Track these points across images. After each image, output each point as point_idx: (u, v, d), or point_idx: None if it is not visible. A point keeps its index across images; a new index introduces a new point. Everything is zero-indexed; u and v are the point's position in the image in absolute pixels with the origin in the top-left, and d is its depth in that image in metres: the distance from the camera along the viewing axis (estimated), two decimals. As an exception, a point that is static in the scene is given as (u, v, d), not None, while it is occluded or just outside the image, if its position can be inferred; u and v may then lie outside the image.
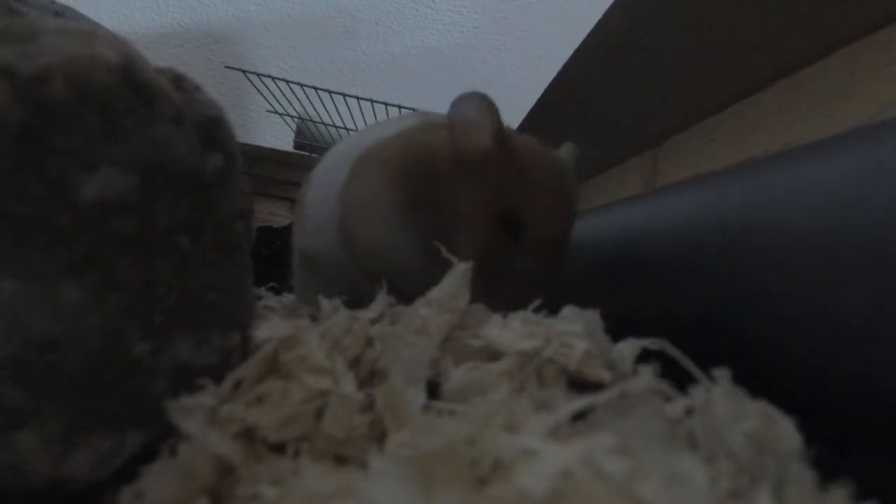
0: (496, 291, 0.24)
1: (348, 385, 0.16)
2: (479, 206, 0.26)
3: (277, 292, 0.41)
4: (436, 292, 0.20)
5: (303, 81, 0.83)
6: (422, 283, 0.22)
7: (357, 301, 0.23)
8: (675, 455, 0.12)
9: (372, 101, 0.80)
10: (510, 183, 0.26)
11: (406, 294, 0.22)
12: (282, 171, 1.04)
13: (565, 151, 0.32)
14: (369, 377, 0.18)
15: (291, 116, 0.94)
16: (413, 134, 0.31)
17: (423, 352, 0.18)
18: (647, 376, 0.15)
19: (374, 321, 0.20)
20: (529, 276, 0.26)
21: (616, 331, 0.19)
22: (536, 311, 0.21)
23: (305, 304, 0.33)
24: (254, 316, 0.20)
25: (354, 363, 0.18)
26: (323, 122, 0.92)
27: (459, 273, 0.21)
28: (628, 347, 0.18)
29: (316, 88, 0.82)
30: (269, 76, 0.81)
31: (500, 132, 0.27)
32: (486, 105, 0.27)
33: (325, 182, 0.34)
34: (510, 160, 0.27)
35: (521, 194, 0.26)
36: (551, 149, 0.31)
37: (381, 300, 0.21)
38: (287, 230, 0.75)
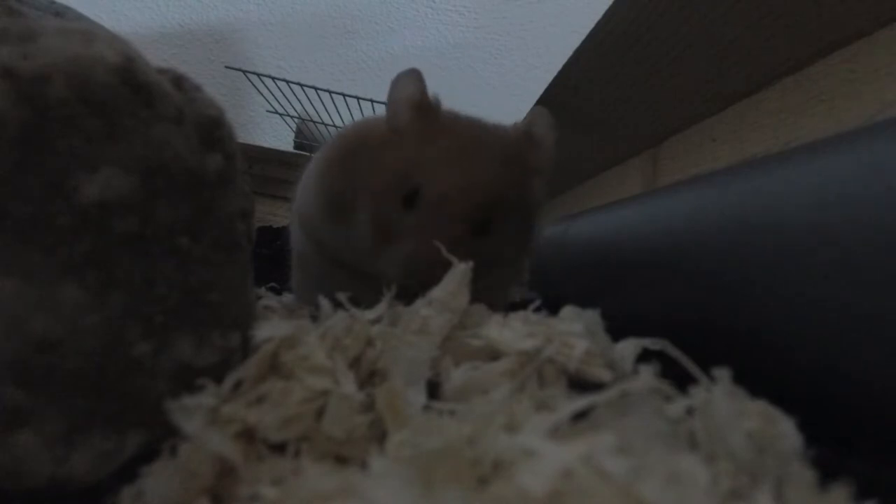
0: (393, 251, 0.26)
1: (348, 385, 0.16)
2: (383, 175, 0.28)
3: (277, 292, 0.41)
4: (436, 292, 0.20)
5: (303, 81, 0.83)
6: (332, 241, 0.27)
7: (354, 299, 0.23)
8: (676, 455, 0.12)
9: (372, 101, 0.80)
10: (417, 153, 0.27)
11: (357, 268, 0.27)
12: (282, 171, 1.04)
13: (531, 117, 0.32)
14: (369, 377, 0.18)
15: (291, 116, 0.94)
16: (363, 119, 0.35)
17: (423, 352, 0.18)
18: (647, 376, 0.15)
19: (374, 321, 0.20)
20: (422, 237, 0.25)
21: (616, 331, 0.19)
22: (537, 311, 0.21)
23: (304, 304, 0.33)
24: (254, 316, 0.19)
25: (355, 363, 0.18)
26: (323, 122, 0.92)
27: (459, 273, 0.21)
28: (629, 347, 0.18)
29: (316, 88, 0.82)
30: (269, 76, 0.81)
31: (420, 106, 0.28)
32: (411, 80, 0.29)
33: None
34: (425, 132, 0.28)
35: (422, 163, 0.27)
36: (495, 124, 0.32)
37: (385, 302, 0.21)
38: (287, 230, 0.75)
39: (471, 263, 0.21)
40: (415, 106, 0.28)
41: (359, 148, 0.30)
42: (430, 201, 0.26)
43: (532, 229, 0.32)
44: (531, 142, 0.31)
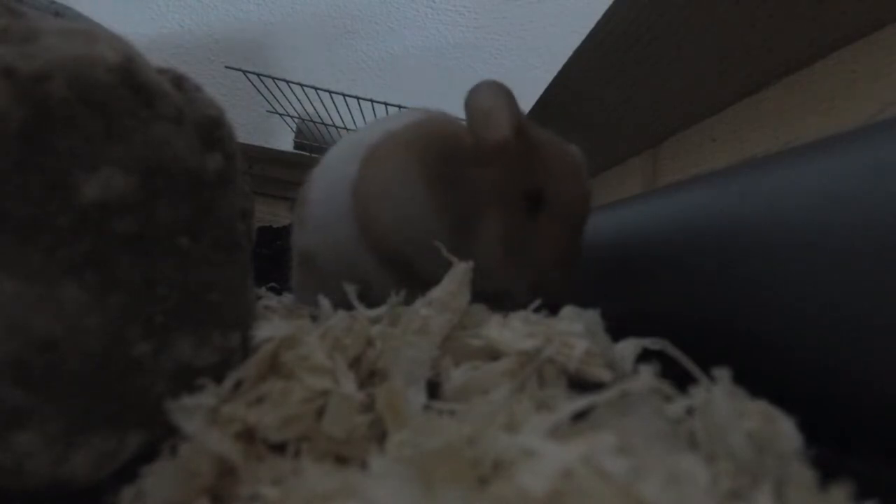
0: (524, 264, 0.26)
1: (349, 385, 0.16)
2: (502, 188, 0.27)
3: (277, 292, 0.41)
4: (436, 292, 0.20)
5: (303, 81, 0.83)
6: (445, 263, 0.23)
7: (364, 295, 0.23)
8: (676, 455, 0.12)
9: (372, 101, 0.80)
10: (530, 165, 0.27)
11: (425, 278, 0.23)
12: (282, 171, 1.04)
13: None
14: (369, 377, 0.18)
15: (291, 116, 0.94)
16: (426, 124, 0.32)
17: (423, 351, 0.18)
18: (647, 376, 0.15)
19: (374, 321, 0.20)
20: (552, 248, 0.26)
21: (616, 331, 0.19)
22: (537, 311, 0.21)
23: (304, 304, 0.33)
24: (254, 316, 0.19)
25: (355, 363, 0.18)
26: (323, 122, 0.92)
27: (460, 272, 0.21)
28: (629, 347, 0.18)
29: (316, 88, 0.82)
30: (269, 76, 0.81)
31: (519, 122, 0.28)
32: (503, 94, 0.28)
33: (328, 180, 0.33)
34: (529, 145, 0.28)
35: (541, 174, 0.27)
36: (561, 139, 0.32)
37: (392, 301, 0.21)
38: (287, 230, 0.75)
39: (471, 263, 0.21)
40: (516, 119, 0.28)
41: (460, 158, 0.29)
42: (555, 211, 0.27)
43: None
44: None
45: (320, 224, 0.33)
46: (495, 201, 0.27)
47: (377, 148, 0.31)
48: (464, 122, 0.30)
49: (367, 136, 0.33)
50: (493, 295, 0.23)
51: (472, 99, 0.28)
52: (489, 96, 0.28)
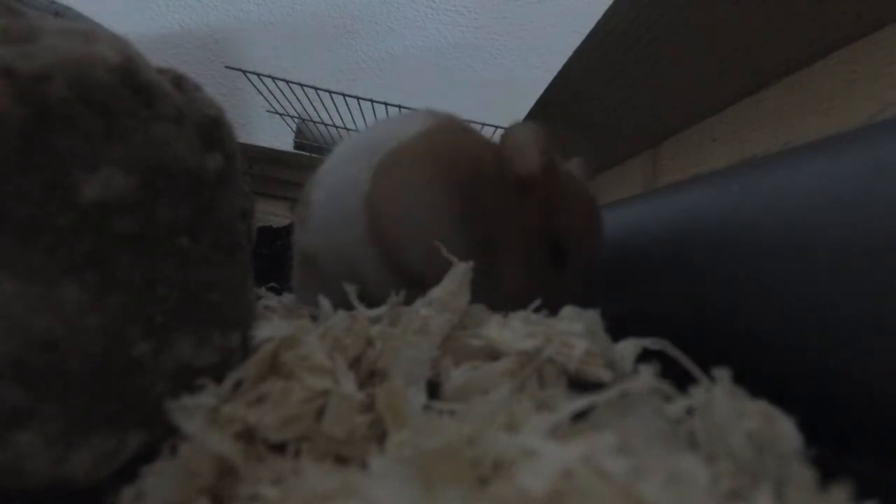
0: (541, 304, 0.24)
1: (349, 385, 0.16)
2: (531, 226, 0.28)
3: (277, 292, 0.41)
4: (436, 292, 0.20)
5: (303, 81, 0.83)
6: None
7: (364, 295, 0.23)
8: (676, 455, 0.12)
9: (372, 101, 0.80)
10: (556, 208, 0.28)
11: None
12: (282, 171, 1.04)
13: (575, 165, 0.34)
14: (369, 377, 0.18)
15: (291, 116, 0.94)
16: (443, 135, 0.31)
17: (423, 351, 0.18)
18: (647, 376, 0.15)
19: (374, 321, 0.20)
20: (564, 297, 0.26)
21: (616, 331, 0.19)
22: (536, 311, 0.21)
23: (305, 304, 0.33)
24: (254, 316, 0.19)
25: (355, 363, 0.18)
26: (323, 122, 0.92)
27: (460, 273, 0.21)
28: (629, 347, 0.18)
29: (316, 88, 0.82)
30: (269, 76, 0.81)
31: (550, 162, 0.28)
32: (540, 134, 0.29)
33: (333, 182, 0.33)
34: (555, 187, 0.28)
35: (565, 219, 0.28)
36: (581, 177, 0.33)
37: (392, 301, 0.21)
38: (287, 230, 0.75)
39: (471, 263, 0.21)
40: (547, 163, 0.28)
41: (483, 181, 0.29)
42: (577, 263, 0.28)
43: None
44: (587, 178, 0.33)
45: (323, 226, 0.33)
46: (519, 234, 0.28)
47: (392, 158, 0.30)
48: (475, 130, 0.30)
49: (376, 140, 0.32)
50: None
51: (509, 135, 0.29)
52: (525, 134, 0.29)
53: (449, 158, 0.29)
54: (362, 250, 0.30)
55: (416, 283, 0.24)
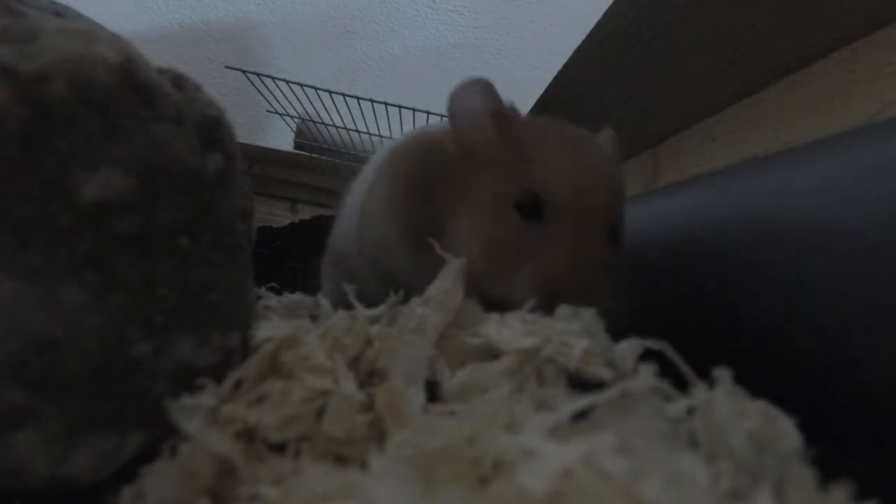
0: (519, 272, 0.23)
1: (349, 385, 0.16)
2: (485, 193, 0.25)
3: (277, 292, 0.41)
4: (432, 290, 0.20)
5: (303, 81, 0.83)
6: (412, 275, 0.23)
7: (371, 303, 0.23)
8: (676, 454, 0.12)
9: (372, 101, 0.80)
10: (519, 164, 0.25)
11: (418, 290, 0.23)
12: (282, 171, 1.04)
13: (603, 136, 0.31)
14: (368, 377, 0.18)
15: (291, 116, 0.94)
16: (422, 133, 0.32)
17: (421, 351, 0.18)
18: (647, 376, 0.15)
19: (373, 320, 0.20)
20: (559, 254, 0.23)
21: (616, 331, 0.19)
22: (532, 311, 0.21)
23: (328, 298, 0.33)
24: (254, 316, 0.19)
25: (354, 362, 0.18)
26: (323, 122, 0.92)
27: (454, 269, 0.21)
28: (629, 347, 0.18)
29: (316, 88, 0.82)
30: (269, 76, 0.81)
31: (501, 117, 0.26)
32: (483, 92, 0.26)
33: (356, 189, 0.35)
34: (516, 142, 0.26)
35: (534, 173, 0.25)
36: (578, 128, 0.29)
37: (390, 300, 0.21)
38: (287, 230, 0.75)
39: (464, 259, 0.21)
40: (492, 119, 0.26)
41: (435, 168, 0.27)
42: (559, 212, 0.24)
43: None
44: (617, 153, 0.30)
45: (344, 230, 0.35)
46: (475, 212, 0.25)
47: (381, 162, 0.32)
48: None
49: (389, 146, 0.34)
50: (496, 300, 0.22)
51: (454, 100, 0.27)
52: (469, 96, 0.26)
53: (403, 156, 0.30)
54: (355, 256, 0.32)
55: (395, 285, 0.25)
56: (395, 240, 0.28)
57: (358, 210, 0.31)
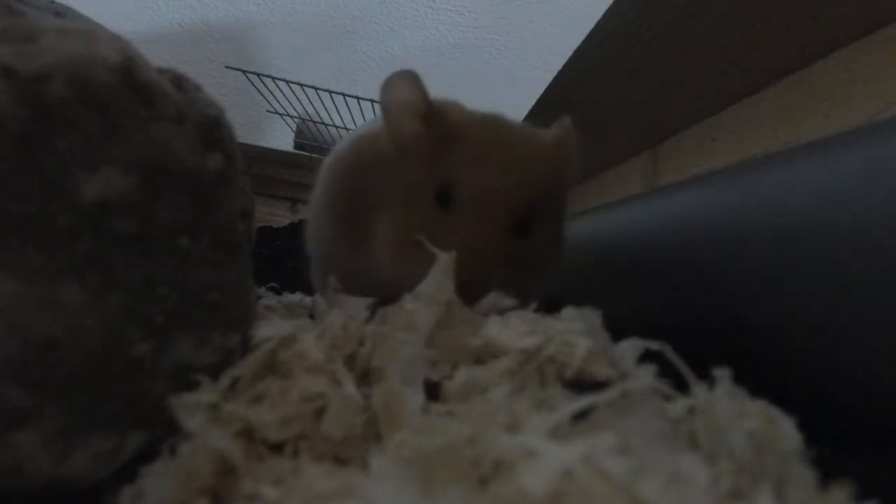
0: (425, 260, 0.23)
1: (348, 385, 0.16)
2: (409, 185, 0.26)
3: (277, 292, 0.41)
4: (422, 286, 0.20)
5: (303, 81, 0.83)
6: (351, 271, 0.25)
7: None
8: (677, 455, 0.12)
9: (372, 101, 0.80)
10: (440, 156, 0.26)
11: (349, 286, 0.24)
12: (282, 171, 1.04)
13: (557, 126, 0.31)
14: (364, 376, 0.18)
15: (291, 116, 0.94)
16: (364, 131, 0.33)
17: (415, 348, 0.17)
18: (648, 376, 0.15)
19: (368, 319, 0.20)
20: (463, 242, 0.23)
21: (616, 331, 0.19)
22: (534, 311, 0.21)
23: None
24: (254, 316, 0.19)
25: (350, 361, 0.18)
26: (323, 122, 0.92)
27: (442, 265, 0.20)
28: (630, 347, 0.18)
29: (316, 88, 0.82)
30: (269, 76, 0.81)
31: (427, 111, 0.27)
32: (410, 84, 0.27)
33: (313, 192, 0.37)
34: (442, 135, 0.26)
35: (449, 164, 0.26)
36: (517, 123, 0.30)
37: (372, 304, 0.22)
38: (287, 230, 0.75)
39: (454, 253, 0.21)
40: (418, 112, 0.27)
41: (366, 165, 0.29)
42: (464, 200, 0.25)
43: (564, 234, 0.31)
44: (562, 147, 0.29)
45: (307, 230, 0.37)
46: (396, 199, 0.26)
47: (324, 167, 0.35)
48: None
49: (336, 148, 0.37)
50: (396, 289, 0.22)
51: (383, 95, 0.27)
52: (396, 91, 0.27)
53: (342, 154, 0.32)
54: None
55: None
56: (332, 238, 0.31)
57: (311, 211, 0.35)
